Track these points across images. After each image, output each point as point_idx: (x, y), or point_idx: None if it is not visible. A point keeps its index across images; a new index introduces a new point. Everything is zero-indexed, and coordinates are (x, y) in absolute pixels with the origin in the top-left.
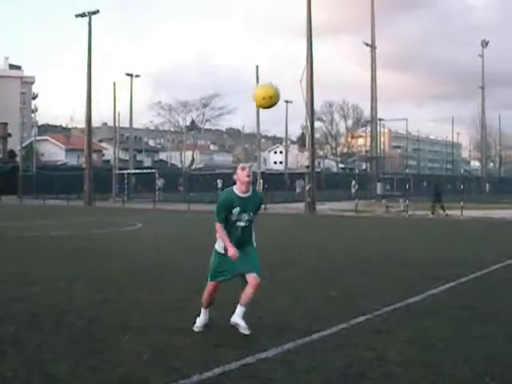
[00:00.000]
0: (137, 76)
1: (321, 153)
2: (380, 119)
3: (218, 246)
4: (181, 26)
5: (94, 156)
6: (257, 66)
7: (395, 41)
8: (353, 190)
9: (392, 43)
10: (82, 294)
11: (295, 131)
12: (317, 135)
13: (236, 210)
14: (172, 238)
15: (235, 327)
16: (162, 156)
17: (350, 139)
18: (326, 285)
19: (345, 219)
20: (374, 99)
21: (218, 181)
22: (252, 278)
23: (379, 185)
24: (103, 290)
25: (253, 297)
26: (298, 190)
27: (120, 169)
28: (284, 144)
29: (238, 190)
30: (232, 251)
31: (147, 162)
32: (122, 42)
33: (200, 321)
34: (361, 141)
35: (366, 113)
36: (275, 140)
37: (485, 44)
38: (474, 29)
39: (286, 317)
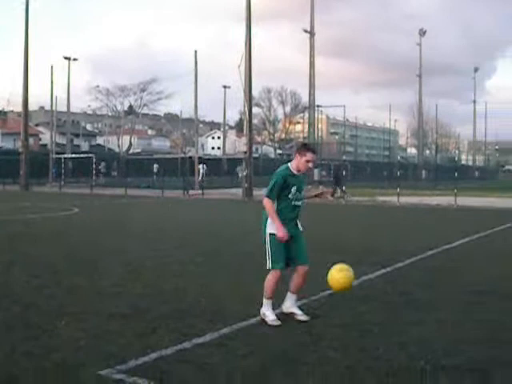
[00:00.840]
0: (75, 59)
1: (259, 138)
2: (318, 105)
3: (271, 227)
4: (120, 10)
5: (31, 140)
6: (195, 51)
7: (335, 28)
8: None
9: (332, 30)
10: (17, 280)
11: (233, 117)
12: (255, 121)
13: (294, 189)
14: (109, 223)
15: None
16: (100, 140)
17: (287, 125)
18: (263, 270)
19: None
20: (312, 86)
21: (155, 165)
22: (303, 268)
23: (316, 171)
24: (39, 275)
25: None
26: (240, 175)
27: (57, 153)
28: (222, 129)
29: (294, 168)
30: (282, 232)
31: (84, 146)
32: (61, 25)
33: (272, 313)
34: (298, 127)
35: (304, 99)
36: (213, 125)
37: (422, 33)
38: (413, 17)
39: (223, 302)
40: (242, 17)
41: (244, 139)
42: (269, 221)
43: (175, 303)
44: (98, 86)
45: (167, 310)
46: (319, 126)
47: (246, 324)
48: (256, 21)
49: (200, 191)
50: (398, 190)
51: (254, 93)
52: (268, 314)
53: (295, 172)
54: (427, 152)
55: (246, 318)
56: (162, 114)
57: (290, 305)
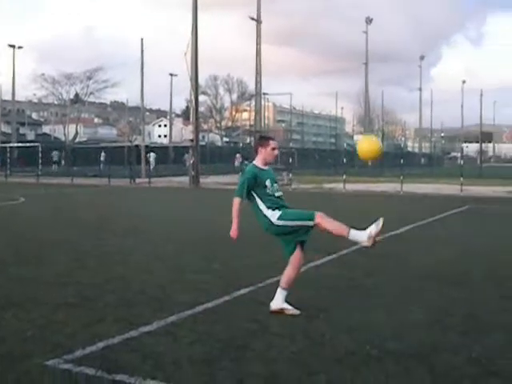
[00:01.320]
0: (19, 47)
1: (205, 126)
2: (264, 93)
3: (274, 217)
4: None
5: None
6: (142, 39)
7: (282, 16)
8: (236, 164)
9: (278, 18)
10: None
11: (180, 104)
12: (201, 109)
13: (268, 182)
14: (55, 212)
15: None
16: (46, 129)
17: (234, 113)
18: (209, 258)
19: (229, 192)
20: (258, 73)
21: (102, 154)
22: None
23: None
24: None
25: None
26: (187, 163)
27: (2, 142)
28: (168, 117)
29: (261, 163)
30: (234, 232)
31: (30, 135)
32: (5, 12)
33: (284, 303)
34: (245, 115)
35: (251, 87)
36: (160, 113)
37: (369, 21)
38: (359, 6)
39: (169, 290)
40: (189, 4)
41: (190, 127)
42: (267, 214)
43: (122, 292)
44: (43, 74)
45: (114, 298)
46: (266, 113)
47: (192, 312)
48: (203, 8)
49: (147, 179)
50: (344, 177)
51: (201, 81)
52: (285, 305)
53: (263, 167)
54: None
55: (192, 306)
56: (109, 103)
57: (280, 302)
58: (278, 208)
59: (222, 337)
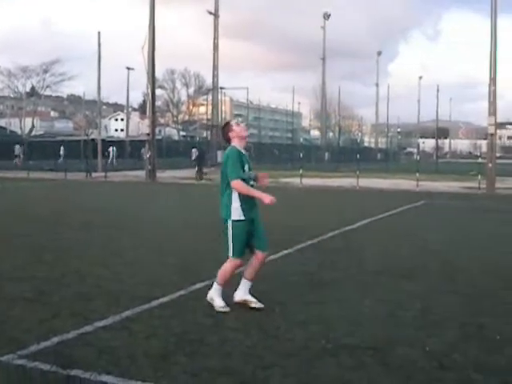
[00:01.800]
0: None
1: (162, 120)
2: (221, 88)
3: (235, 214)
4: None
5: None
6: (99, 32)
7: (239, 10)
8: (193, 158)
9: (236, 12)
10: None
11: (137, 98)
12: (158, 103)
13: (246, 167)
14: (10, 206)
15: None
16: (1, 123)
17: (191, 107)
18: (164, 252)
19: (185, 187)
20: (215, 67)
21: (61, 148)
22: (263, 255)
23: (219, 153)
24: None
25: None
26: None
27: None
28: (125, 111)
29: (240, 147)
30: (268, 197)
31: None
32: None
33: (221, 299)
34: (202, 109)
35: (208, 81)
36: (116, 107)
37: (327, 16)
38: (318, 1)
39: (125, 284)
40: None
41: (147, 121)
42: (233, 207)
43: (77, 286)
44: None
45: (70, 293)
46: (223, 108)
47: (148, 306)
48: (160, 2)
49: (103, 173)
50: (301, 171)
51: (158, 74)
52: (217, 299)
53: (241, 149)
54: (330, 134)
55: (148, 301)
56: (65, 96)
57: (243, 293)
58: (248, 205)
59: (177, 331)
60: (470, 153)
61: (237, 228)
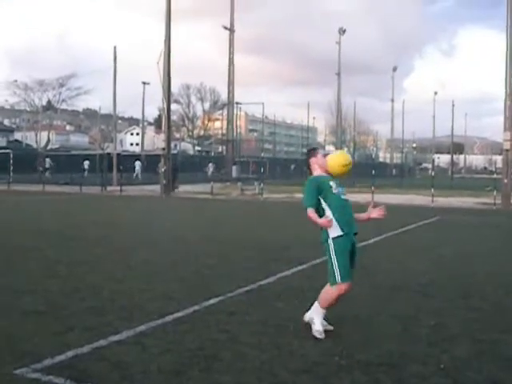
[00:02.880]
0: None
1: (177, 135)
2: (237, 102)
3: (333, 231)
4: (40, 3)
5: None
6: (114, 47)
7: (255, 26)
8: (209, 173)
9: (252, 28)
10: None
11: (152, 113)
12: (173, 117)
13: (332, 183)
14: (24, 220)
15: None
16: (17, 136)
17: (206, 122)
18: (179, 267)
19: (200, 201)
20: (231, 82)
21: (85, 162)
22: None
23: (235, 168)
24: None
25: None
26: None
27: None
28: (141, 125)
29: (322, 172)
30: (325, 221)
31: (2, 141)
32: None
33: (320, 324)
34: (217, 124)
35: (224, 96)
36: (132, 121)
37: (342, 32)
38: (333, 16)
39: (139, 299)
40: (163, 13)
41: (162, 135)
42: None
43: (91, 300)
44: (16, 81)
45: (83, 307)
46: (238, 122)
47: (162, 321)
48: (176, 17)
49: (118, 187)
50: None
51: (173, 89)
52: (317, 322)
53: (324, 174)
54: (345, 149)
55: (162, 316)
56: (81, 110)
57: (314, 315)
58: (348, 224)
59: (191, 346)
60: (485, 168)
61: (338, 245)
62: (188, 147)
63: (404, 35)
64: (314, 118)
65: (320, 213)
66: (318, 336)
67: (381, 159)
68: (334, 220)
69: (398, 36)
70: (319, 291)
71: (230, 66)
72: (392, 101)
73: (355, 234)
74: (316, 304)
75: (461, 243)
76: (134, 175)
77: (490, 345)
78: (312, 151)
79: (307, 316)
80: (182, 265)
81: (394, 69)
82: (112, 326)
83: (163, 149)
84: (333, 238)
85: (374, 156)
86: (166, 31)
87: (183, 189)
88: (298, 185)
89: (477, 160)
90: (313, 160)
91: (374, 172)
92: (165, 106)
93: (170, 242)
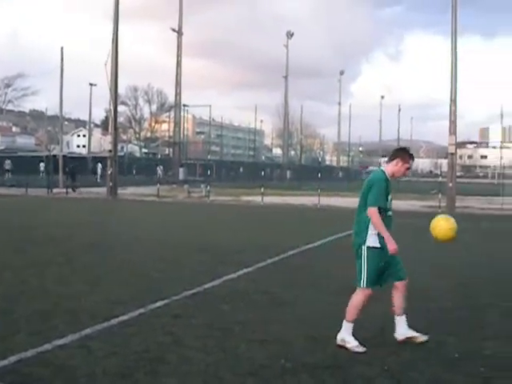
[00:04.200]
0: None
1: (124, 137)
2: (184, 105)
3: (371, 240)
4: None
5: None
6: (62, 48)
7: (203, 29)
8: (157, 175)
9: (200, 31)
10: None
11: (99, 114)
12: (120, 119)
13: (389, 197)
14: None
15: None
16: None
17: (153, 124)
18: (125, 270)
19: (146, 204)
20: (178, 85)
21: (41, 164)
22: (402, 284)
23: (182, 170)
24: None
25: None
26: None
27: None
28: (88, 127)
29: (389, 174)
30: (393, 245)
31: None
32: None
33: (353, 338)
34: (165, 126)
35: (171, 98)
36: (79, 123)
37: (290, 35)
38: (281, 20)
39: (84, 302)
40: (111, 14)
41: (109, 137)
42: (369, 233)
43: (37, 304)
44: None
45: (29, 311)
46: (185, 125)
47: (107, 324)
48: (124, 18)
49: (64, 190)
50: (262, 189)
51: (121, 91)
52: (349, 339)
53: (389, 177)
54: (292, 152)
55: (107, 319)
56: (28, 111)
57: (404, 330)
58: (381, 239)
59: (136, 349)
60: (431, 172)
61: (372, 255)
62: (135, 149)
63: (352, 40)
64: (261, 120)
65: (364, 218)
66: (360, 350)
67: (327, 162)
68: (375, 231)
69: (345, 40)
70: (264, 294)
71: (177, 68)
72: (339, 104)
73: None
74: (344, 322)
75: (406, 245)
76: (97, 177)
77: (434, 346)
78: (407, 155)
79: (338, 338)
80: (128, 268)
81: (341, 73)
82: (57, 330)
83: (110, 151)
84: (368, 247)
85: (320, 159)
86: (113, 33)
87: (130, 191)
88: (245, 187)
89: (423, 163)
90: (397, 162)
91: (320, 175)
92: (112, 108)
93: (116, 244)
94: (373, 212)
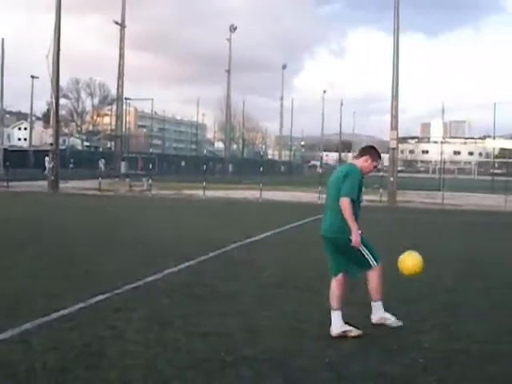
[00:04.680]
0: None
1: (66, 130)
2: (126, 98)
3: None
4: None
5: None
6: (2, 39)
7: (147, 22)
8: (99, 169)
9: (143, 24)
10: None
11: (41, 107)
12: (62, 112)
13: (362, 189)
14: None
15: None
16: None
17: (95, 117)
18: (65, 264)
19: (88, 198)
20: (120, 78)
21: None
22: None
23: (123, 163)
24: None
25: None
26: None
27: None
28: (29, 120)
29: (360, 169)
30: (357, 238)
31: None
32: None
33: (391, 315)
34: (107, 119)
35: (113, 91)
36: (20, 116)
37: (233, 29)
38: (224, 13)
39: (25, 297)
40: (53, 6)
41: (51, 131)
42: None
43: None
44: None
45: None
46: (127, 118)
47: (47, 319)
48: (67, 10)
49: (4, 183)
50: (204, 183)
51: (62, 83)
52: (387, 315)
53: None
54: (234, 146)
55: (47, 313)
56: None
57: (381, 312)
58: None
59: (77, 344)
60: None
61: (363, 239)
62: (77, 142)
63: (295, 34)
64: (203, 114)
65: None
66: (399, 324)
67: (270, 156)
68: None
69: (288, 35)
70: (205, 287)
71: (120, 61)
72: (281, 99)
73: None
74: (373, 303)
75: None
76: (46, 171)
77: (374, 338)
78: (376, 154)
79: (374, 318)
80: (69, 262)
81: (284, 67)
82: None
83: (51, 144)
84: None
85: (262, 153)
86: (55, 24)
87: (71, 184)
88: (187, 181)
89: None
90: (367, 159)
91: (262, 169)
92: (53, 101)
93: (57, 238)
94: (345, 202)
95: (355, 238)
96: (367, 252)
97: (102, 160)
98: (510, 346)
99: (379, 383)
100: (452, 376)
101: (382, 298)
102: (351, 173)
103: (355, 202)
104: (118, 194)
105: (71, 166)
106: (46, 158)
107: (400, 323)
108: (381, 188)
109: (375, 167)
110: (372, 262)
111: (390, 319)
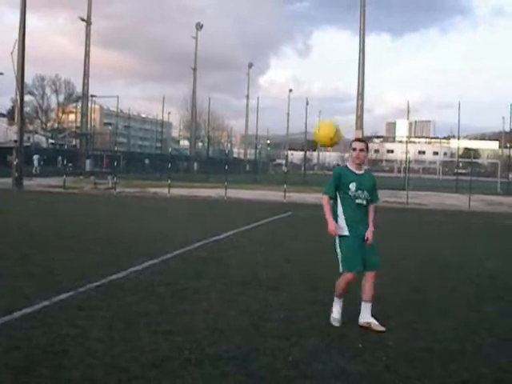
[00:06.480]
0: None
1: (31, 127)
2: (92, 95)
3: (340, 230)
4: None
5: None
6: None
7: (113, 19)
8: (34, 167)
9: (110, 21)
10: None
11: (5, 104)
12: (27, 109)
13: (353, 185)
14: None
15: None
16: None
17: (60, 114)
18: (29, 262)
19: (52, 195)
20: (86, 75)
21: None
22: (372, 275)
23: (88, 161)
24: None
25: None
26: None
27: None
28: None
29: (350, 164)
30: (332, 226)
31: None
32: None
33: (337, 312)
34: (72, 116)
35: (79, 89)
36: None
37: (199, 27)
38: (190, 11)
39: None
40: (18, 2)
41: (15, 127)
42: (339, 224)
43: None
44: None
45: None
46: (92, 116)
47: (10, 318)
48: (32, 6)
49: None
50: (169, 181)
51: (27, 80)
52: (334, 310)
53: (353, 168)
54: (200, 144)
55: (10, 312)
56: None
57: (367, 316)
58: (352, 223)
59: (40, 343)
60: (338, 165)
61: (344, 242)
62: (41, 140)
63: (261, 33)
64: (169, 112)
65: (334, 208)
66: (335, 323)
67: (235, 155)
68: (343, 221)
69: (255, 33)
70: (169, 286)
71: (85, 58)
72: (247, 97)
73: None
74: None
75: (312, 238)
76: (34, 169)
77: (337, 337)
78: (351, 141)
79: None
80: (32, 260)
81: (250, 65)
82: None
83: (15, 141)
84: (339, 236)
85: (227, 152)
86: (20, 21)
87: (36, 182)
88: (152, 179)
89: (330, 157)
90: (350, 151)
91: (227, 167)
92: (18, 98)
93: (20, 235)
94: (322, 199)
95: (329, 226)
96: (341, 256)
97: (37, 156)
98: (473, 345)
99: (342, 381)
100: (415, 374)
101: (339, 296)
102: (332, 174)
103: (350, 201)
104: (82, 191)
105: (35, 163)
106: (35, 157)
107: (337, 324)
108: None
109: (355, 150)
110: (340, 267)
111: (333, 314)
